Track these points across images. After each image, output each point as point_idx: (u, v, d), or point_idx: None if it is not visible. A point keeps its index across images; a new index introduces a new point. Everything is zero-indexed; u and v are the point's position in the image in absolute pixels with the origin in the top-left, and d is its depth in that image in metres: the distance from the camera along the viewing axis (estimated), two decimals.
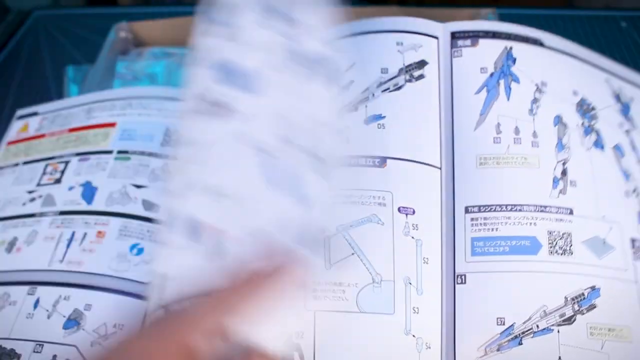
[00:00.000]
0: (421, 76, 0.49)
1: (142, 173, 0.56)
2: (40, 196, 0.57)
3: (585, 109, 0.49)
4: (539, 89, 0.48)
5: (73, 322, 0.48)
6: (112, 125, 0.60)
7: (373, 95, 0.48)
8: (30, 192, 0.58)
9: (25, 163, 0.61)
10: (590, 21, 0.62)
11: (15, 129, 0.66)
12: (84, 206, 0.54)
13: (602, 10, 0.63)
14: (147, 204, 0.54)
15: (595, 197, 0.46)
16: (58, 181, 0.57)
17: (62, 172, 0.58)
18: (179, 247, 0.35)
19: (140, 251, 0.51)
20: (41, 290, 0.49)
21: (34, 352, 0.47)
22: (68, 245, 0.51)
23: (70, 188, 0.56)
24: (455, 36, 0.50)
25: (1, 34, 0.88)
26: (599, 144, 0.48)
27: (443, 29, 0.51)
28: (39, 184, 0.58)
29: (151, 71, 0.72)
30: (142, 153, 0.57)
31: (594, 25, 0.63)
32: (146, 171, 0.56)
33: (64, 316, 0.48)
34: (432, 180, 0.47)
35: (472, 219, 0.46)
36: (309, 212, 0.36)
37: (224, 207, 0.36)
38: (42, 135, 0.63)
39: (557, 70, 0.50)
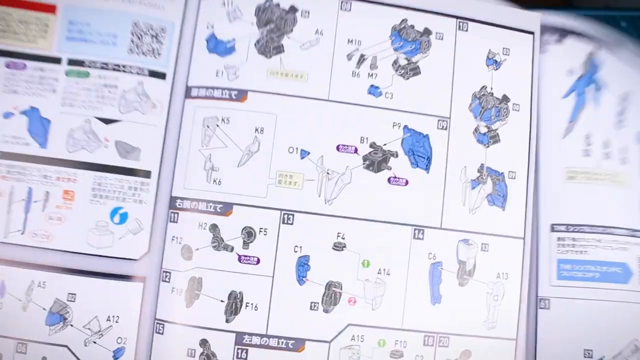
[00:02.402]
0: None
1: (108, 98, 0.41)
2: None
3: None
4: (623, 99, 0.44)
5: (57, 316, 0.38)
6: (50, 9, 0.42)
7: None
8: None
9: None
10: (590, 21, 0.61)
11: None
12: (35, 149, 0.40)
13: (602, 10, 0.60)
14: (123, 148, 0.41)
15: None
16: None
17: None
18: None
19: (124, 217, 0.40)
20: (3, 271, 0.39)
21: (18, 352, 0.38)
22: (27, 210, 0.39)
23: (7, 115, 0.40)
24: (542, 29, 0.44)
25: None
26: None
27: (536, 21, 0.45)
28: None
29: None
30: (105, 66, 0.41)
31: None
32: (114, 95, 0.41)
33: (44, 309, 0.38)
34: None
35: (558, 239, 0.42)
36: None
37: None
38: None
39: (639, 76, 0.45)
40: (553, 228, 0.42)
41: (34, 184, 0.40)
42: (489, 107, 0.42)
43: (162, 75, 0.42)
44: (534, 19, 0.44)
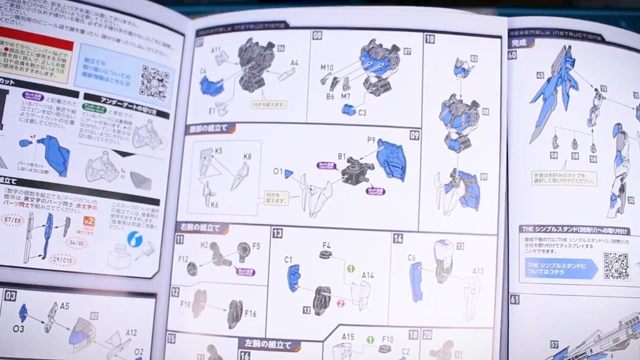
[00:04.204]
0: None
1: (124, 133, 0.45)
2: None
3: None
4: (598, 95, 0.46)
5: (80, 334, 0.42)
6: (67, 45, 0.44)
7: None
8: None
9: None
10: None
11: None
12: (54, 177, 0.43)
13: (602, 10, 0.61)
14: (137, 179, 0.46)
15: None
16: None
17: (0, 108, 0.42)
18: None
19: (139, 241, 0.45)
20: (24, 295, 0.41)
21: None
22: (47, 235, 0.42)
23: (24, 143, 0.42)
24: (510, 34, 0.47)
25: None
26: None
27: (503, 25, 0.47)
28: None
29: None
30: (121, 104, 0.45)
31: None
32: (129, 130, 0.45)
33: (68, 329, 0.42)
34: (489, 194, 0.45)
35: (526, 239, 0.44)
36: None
37: None
38: None
39: (617, 69, 0.47)
40: (521, 229, 0.44)
41: (54, 210, 0.42)
42: (459, 114, 0.45)
43: (166, 115, 0.47)
44: (500, 23, 0.47)
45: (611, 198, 0.44)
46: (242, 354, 0.43)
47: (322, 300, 0.43)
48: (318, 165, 0.44)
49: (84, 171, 0.44)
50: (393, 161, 0.44)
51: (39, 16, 0.44)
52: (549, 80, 0.46)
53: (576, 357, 0.42)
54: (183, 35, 0.49)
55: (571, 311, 0.43)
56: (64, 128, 0.43)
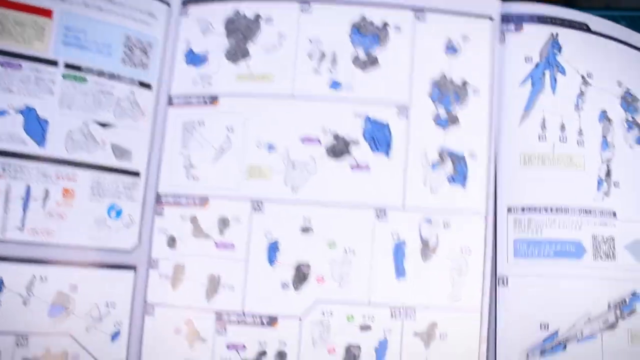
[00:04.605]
0: None
1: (105, 104, 0.44)
2: None
3: (629, 101, 0.46)
4: (585, 81, 0.45)
5: (59, 307, 0.41)
6: (46, 13, 0.43)
7: None
8: None
9: None
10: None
11: None
12: (33, 148, 0.42)
13: (602, 10, 0.61)
14: (118, 150, 0.45)
15: (638, 199, 0.44)
16: None
17: None
18: None
19: (119, 213, 0.44)
20: (0, 268, 0.40)
21: (18, 345, 0.40)
22: (25, 207, 0.41)
23: (2, 113, 0.41)
24: (500, 19, 0.46)
25: None
26: None
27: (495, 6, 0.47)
28: None
29: None
30: (102, 74, 0.44)
31: None
32: (110, 101, 0.44)
33: (46, 302, 0.41)
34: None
35: (515, 220, 0.43)
36: None
37: None
38: None
39: (603, 58, 0.47)
40: (510, 210, 0.43)
41: (32, 182, 0.41)
42: (448, 93, 0.44)
43: (148, 86, 0.46)
44: (492, 4, 0.46)
45: (598, 182, 0.44)
46: (219, 327, 0.42)
47: (301, 276, 0.42)
48: (302, 140, 0.44)
49: (64, 142, 0.43)
50: (379, 137, 0.44)
51: None
52: (537, 65, 0.45)
53: (566, 339, 0.42)
54: (168, 4, 0.48)
55: (561, 293, 0.42)
56: (43, 98, 0.43)
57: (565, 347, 0.42)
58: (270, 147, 0.44)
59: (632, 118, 0.46)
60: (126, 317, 0.44)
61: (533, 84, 0.45)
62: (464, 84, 0.45)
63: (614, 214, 0.43)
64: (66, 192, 0.42)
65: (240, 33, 0.46)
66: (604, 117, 0.45)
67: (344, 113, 0.44)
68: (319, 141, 0.44)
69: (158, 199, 0.45)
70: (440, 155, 0.44)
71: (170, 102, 0.46)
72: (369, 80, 0.45)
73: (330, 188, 0.43)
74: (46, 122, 0.42)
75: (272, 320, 0.42)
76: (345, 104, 0.44)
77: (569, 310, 0.42)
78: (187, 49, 0.47)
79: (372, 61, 0.45)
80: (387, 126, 0.44)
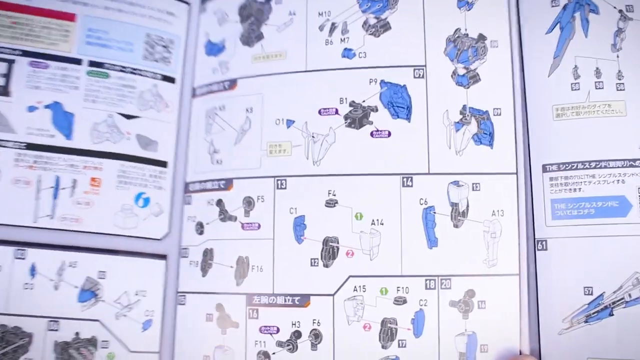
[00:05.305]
0: None
1: (128, 97, 0.46)
2: None
3: None
4: (623, 16, 0.42)
5: (89, 292, 0.42)
6: (70, 17, 0.46)
7: None
8: None
9: None
10: None
11: None
12: (61, 140, 0.44)
13: None
14: (143, 141, 0.46)
15: None
16: (3, 92, 0.44)
17: (6, 77, 0.44)
18: None
19: (147, 201, 0.45)
20: (33, 254, 0.42)
21: (50, 330, 0.41)
22: (55, 196, 0.43)
23: (32, 109, 0.44)
24: None
25: None
26: None
27: None
28: None
29: None
30: (123, 69, 0.46)
31: None
32: (133, 94, 0.46)
33: (76, 286, 0.42)
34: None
35: (551, 179, 0.40)
36: None
37: None
38: None
39: None
40: (545, 169, 0.41)
41: (61, 173, 0.43)
42: (465, 49, 0.42)
43: (172, 80, 0.47)
44: None
45: None
46: (251, 311, 0.41)
47: (330, 251, 0.41)
48: (320, 112, 0.43)
49: (89, 134, 0.44)
50: (397, 101, 0.42)
51: None
52: (564, 7, 0.42)
53: (613, 303, 0.38)
54: (188, 3, 0.49)
55: (605, 254, 0.39)
56: (69, 93, 0.45)
57: (612, 312, 0.38)
58: (289, 123, 0.43)
59: None
60: (158, 306, 0.44)
61: (562, 29, 0.42)
62: (481, 37, 0.43)
63: None
64: (93, 181, 0.44)
65: (253, 16, 0.46)
66: None
67: (359, 80, 0.43)
68: (337, 111, 0.43)
69: (186, 187, 0.45)
70: (463, 115, 0.42)
71: (194, 93, 0.47)
72: (382, 44, 0.43)
73: (352, 158, 0.42)
74: (72, 115, 0.44)
75: (304, 300, 0.41)
76: (360, 70, 0.43)
77: (615, 272, 0.38)
78: (206, 41, 0.48)
79: (383, 25, 0.44)
80: (405, 88, 0.42)
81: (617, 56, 0.41)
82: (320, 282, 0.41)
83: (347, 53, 0.43)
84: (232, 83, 0.45)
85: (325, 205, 0.42)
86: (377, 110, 0.42)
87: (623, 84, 0.41)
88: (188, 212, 0.45)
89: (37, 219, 0.42)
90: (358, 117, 0.42)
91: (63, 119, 0.44)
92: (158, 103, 0.46)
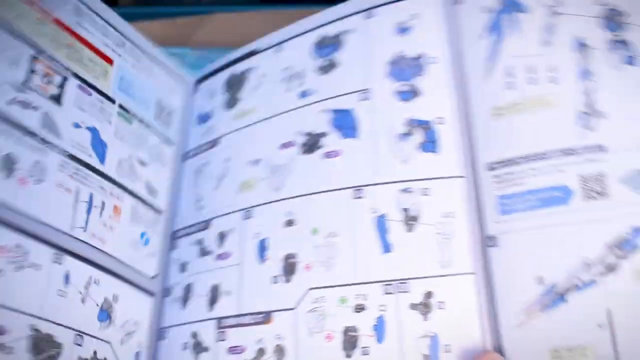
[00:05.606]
0: None
1: (143, 146, 0.51)
2: (35, 108, 0.42)
3: (612, 18, 0.42)
4: (552, 11, 0.43)
5: (105, 313, 0.44)
6: (109, 60, 0.50)
7: None
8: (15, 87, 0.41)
9: None
10: None
11: None
12: (96, 162, 0.46)
13: None
14: (150, 189, 0.51)
15: (630, 125, 0.40)
16: (57, 100, 0.44)
17: (60, 88, 0.45)
18: None
19: (147, 241, 0.49)
20: (69, 262, 0.42)
21: (75, 344, 0.40)
22: (88, 211, 0.44)
23: (76, 125, 0.45)
24: None
25: None
26: (630, 59, 0.41)
27: None
28: (26, 83, 0.42)
29: None
30: (142, 121, 0.52)
31: None
32: (146, 145, 0.51)
33: (97, 304, 0.43)
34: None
35: (495, 176, 0.41)
36: None
37: None
38: None
39: None
40: (488, 167, 0.41)
41: (94, 191, 0.45)
42: (406, 68, 0.46)
43: (171, 142, 0.55)
44: None
45: (577, 117, 0.40)
46: (220, 333, 0.44)
47: (289, 266, 0.43)
48: (280, 148, 0.48)
49: (116, 166, 0.48)
50: (344, 123, 0.46)
51: (92, 29, 0.49)
52: (496, 11, 0.45)
53: (566, 290, 0.37)
54: (186, 83, 0.58)
55: (552, 243, 0.38)
56: (104, 124, 0.48)
57: (564, 298, 0.37)
58: (256, 162, 0.49)
59: (617, 36, 0.42)
60: (145, 339, 0.47)
61: (493, 33, 0.44)
62: (420, 55, 0.46)
63: (601, 148, 0.39)
64: (115, 209, 0.47)
65: (235, 86, 0.54)
66: (580, 44, 0.42)
67: (312, 113, 0.48)
68: (293, 143, 0.47)
69: (174, 234, 0.51)
70: (408, 127, 0.44)
71: (185, 157, 0.55)
72: (332, 80, 0.48)
73: (307, 180, 0.45)
74: (105, 144, 0.47)
75: (267, 317, 0.43)
76: (313, 105, 0.48)
77: (564, 260, 0.37)
78: (198, 113, 0.57)
79: (333, 64, 0.49)
80: (350, 111, 0.46)
81: (548, 51, 0.42)
82: (281, 298, 0.43)
83: (303, 94, 0.49)
84: (215, 142, 0.53)
85: (285, 226, 0.44)
86: (327, 134, 0.46)
87: (556, 77, 0.42)
88: (174, 255, 0.50)
89: (73, 228, 0.43)
90: (311, 143, 0.47)
91: (99, 145, 0.47)
92: (162, 158, 0.53)
